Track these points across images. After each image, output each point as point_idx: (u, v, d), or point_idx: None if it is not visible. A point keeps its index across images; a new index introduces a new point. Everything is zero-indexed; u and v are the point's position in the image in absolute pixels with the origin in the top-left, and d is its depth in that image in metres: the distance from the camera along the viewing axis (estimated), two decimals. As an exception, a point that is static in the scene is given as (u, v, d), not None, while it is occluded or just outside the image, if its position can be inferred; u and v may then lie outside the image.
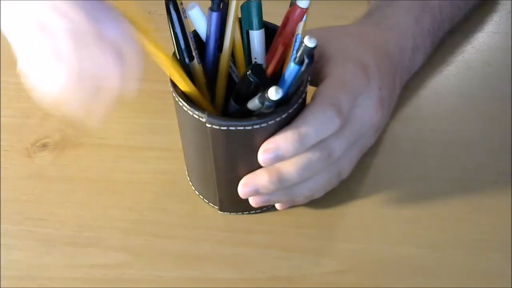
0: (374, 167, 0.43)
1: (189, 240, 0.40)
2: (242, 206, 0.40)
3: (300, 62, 0.31)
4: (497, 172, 0.43)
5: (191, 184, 0.42)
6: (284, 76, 0.32)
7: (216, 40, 0.33)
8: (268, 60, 0.36)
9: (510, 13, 0.55)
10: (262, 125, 0.33)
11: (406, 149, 0.45)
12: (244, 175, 0.36)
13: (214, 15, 0.32)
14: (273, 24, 0.37)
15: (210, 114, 0.33)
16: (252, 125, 0.33)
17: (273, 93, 0.30)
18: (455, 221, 0.41)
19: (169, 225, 0.41)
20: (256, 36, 0.35)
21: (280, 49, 0.33)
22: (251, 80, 0.32)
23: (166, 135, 0.46)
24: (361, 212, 0.41)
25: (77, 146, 0.46)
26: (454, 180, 0.43)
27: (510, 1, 0.56)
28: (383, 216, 0.41)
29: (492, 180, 0.43)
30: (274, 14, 0.37)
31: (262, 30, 0.35)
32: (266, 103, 0.31)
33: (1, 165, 0.44)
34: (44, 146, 0.46)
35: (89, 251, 0.40)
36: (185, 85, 0.33)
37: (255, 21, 0.34)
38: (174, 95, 0.34)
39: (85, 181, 0.43)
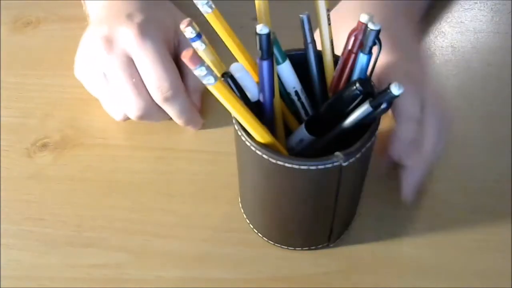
0: (374, 167, 0.43)
1: (189, 240, 0.40)
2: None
3: (369, 51, 0.31)
4: (497, 172, 0.43)
5: (246, 218, 0.41)
6: (356, 71, 0.33)
7: (271, 86, 0.32)
8: (335, 85, 0.35)
9: (510, 13, 0.55)
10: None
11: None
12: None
13: (265, 63, 0.31)
14: (293, 50, 0.36)
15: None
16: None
17: (396, 89, 0.29)
18: (455, 221, 0.41)
19: (169, 225, 0.41)
20: (284, 69, 0.35)
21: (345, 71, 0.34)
22: (358, 93, 0.31)
23: (166, 135, 0.46)
24: (361, 212, 0.41)
25: (77, 146, 0.46)
26: (454, 180, 0.43)
27: (510, 1, 0.56)
28: (383, 216, 0.41)
29: (492, 180, 0.43)
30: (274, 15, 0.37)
31: (287, 62, 0.34)
32: (385, 104, 0.30)
33: (1, 165, 0.44)
34: (44, 146, 0.46)
35: (89, 251, 0.40)
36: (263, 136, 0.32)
37: (277, 55, 0.34)
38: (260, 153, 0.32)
39: (85, 181, 0.43)
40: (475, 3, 0.56)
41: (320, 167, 0.31)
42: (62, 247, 0.40)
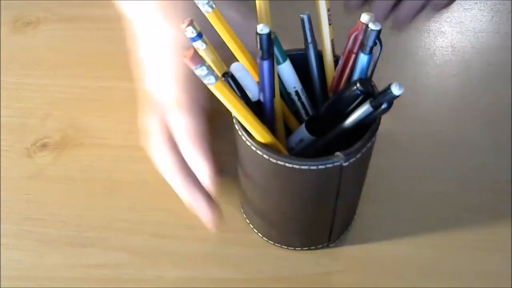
0: (374, 167, 0.43)
1: (189, 240, 0.40)
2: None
3: (370, 51, 0.31)
4: (497, 172, 0.43)
5: (246, 218, 0.41)
6: (357, 71, 0.33)
7: (271, 86, 0.32)
8: (335, 85, 0.35)
9: (510, 13, 0.55)
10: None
11: (406, 149, 0.45)
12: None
13: (266, 63, 0.31)
14: (294, 50, 0.36)
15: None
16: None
17: (396, 89, 0.29)
18: (455, 221, 0.41)
19: (169, 225, 0.41)
20: (284, 69, 0.35)
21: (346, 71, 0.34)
22: (358, 93, 0.31)
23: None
24: (361, 212, 0.41)
25: (77, 146, 0.46)
26: (454, 180, 0.43)
27: (510, 1, 0.56)
28: (383, 216, 0.41)
29: (492, 180, 0.43)
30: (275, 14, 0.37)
31: (287, 62, 0.34)
32: (385, 105, 0.30)
33: (1, 165, 0.44)
34: (44, 146, 0.46)
35: (89, 251, 0.40)
36: (262, 135, 0.32)
37: (277, 55, 0.34)
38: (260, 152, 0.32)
39: (85, 181, 0.43)
40: (475, 3, 0.57)
41: (320, 167, 0.31)
42: (62, 247, 0.40)
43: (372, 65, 0.32)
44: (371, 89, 0.31)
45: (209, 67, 0.28)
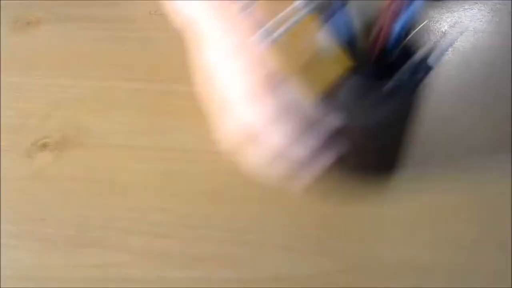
0: (374, 167, 0.43)
1: (189, 240, 0.40)
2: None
3: None
4: (497, 172, 0.43)
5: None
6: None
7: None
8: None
9: (510, 13, 0.55)
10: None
11: (406, 149, 0.45)
12: None
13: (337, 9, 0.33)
14: None
15: None
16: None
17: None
18: (455, 221, 0.41)
19: (169, 225, 0.41)
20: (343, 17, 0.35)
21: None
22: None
23: (166, 135, 0.46)
24: (361, 212, 0.41)
25: (77, 146, 0.46)
26: (454, 180, 0.43)
27: (510, 1, 0.56)
28: (383, 216, 0.41)
29: (492, 180, 0.43)
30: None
31: (343, 11, 0.35)
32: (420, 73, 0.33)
33: (1, 165, 0.44)
34: (44, 146, 0.46)
35: (89, 251, 0.40)
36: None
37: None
38: None
39: (85, 181, 0.43)
40: (475, 3, 0.57)
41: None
42: (62, 247, 0.40)
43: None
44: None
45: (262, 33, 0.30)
